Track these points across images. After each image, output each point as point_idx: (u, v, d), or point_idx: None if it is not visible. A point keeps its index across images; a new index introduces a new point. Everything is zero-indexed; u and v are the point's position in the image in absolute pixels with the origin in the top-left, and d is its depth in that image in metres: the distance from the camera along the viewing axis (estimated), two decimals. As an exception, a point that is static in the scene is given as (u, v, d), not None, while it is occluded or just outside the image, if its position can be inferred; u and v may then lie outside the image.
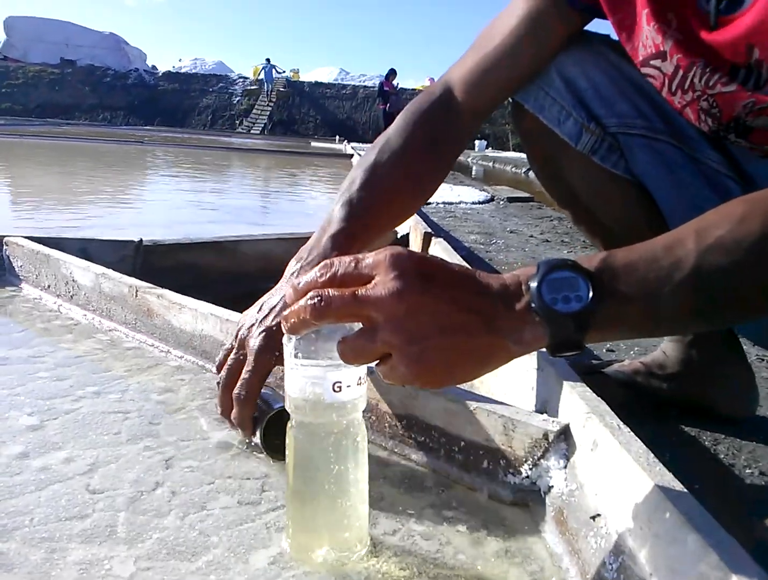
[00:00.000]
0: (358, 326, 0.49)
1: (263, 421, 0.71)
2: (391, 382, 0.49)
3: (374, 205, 0.82)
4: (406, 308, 0.46)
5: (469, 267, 0.51)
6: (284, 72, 30.11)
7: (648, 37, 0.74)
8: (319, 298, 0.47)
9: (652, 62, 0.75)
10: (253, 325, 0.74)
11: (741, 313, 0.52)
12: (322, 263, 0.49)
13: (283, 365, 0.65)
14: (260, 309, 0.76)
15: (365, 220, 0.81)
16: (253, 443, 0.74)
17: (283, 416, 0.66)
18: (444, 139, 0.87)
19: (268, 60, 28.55)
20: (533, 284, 0.48)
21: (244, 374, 0.70)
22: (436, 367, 0.47)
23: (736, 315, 0.53)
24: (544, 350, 0.49)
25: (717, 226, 0.49)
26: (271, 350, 0.71)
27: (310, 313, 0.47)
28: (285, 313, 0.49)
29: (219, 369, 0.75)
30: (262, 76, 28.77)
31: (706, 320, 0.51)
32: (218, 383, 0.74)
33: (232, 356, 0.74)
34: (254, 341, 0.71)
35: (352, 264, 0.48)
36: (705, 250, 0.48)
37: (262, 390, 0.72)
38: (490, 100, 0.87)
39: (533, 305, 0.47)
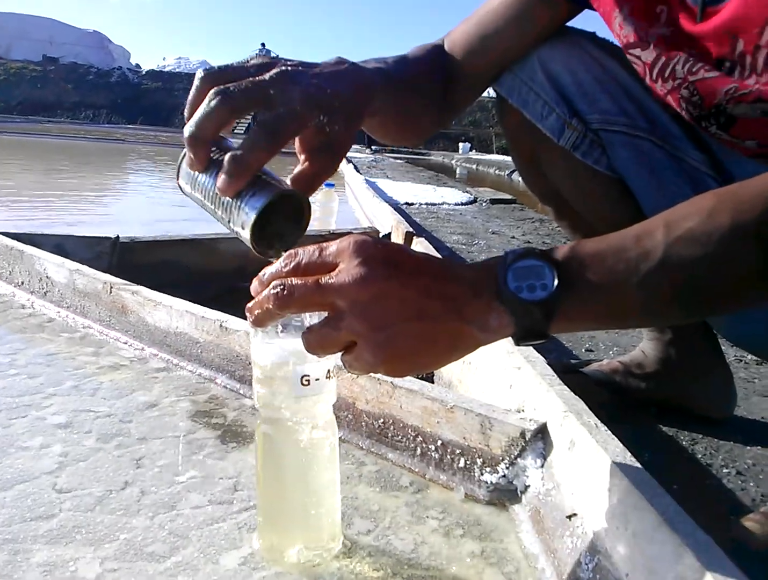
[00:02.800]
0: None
1: (271, 193, 0.50)
2: (357, 371, 0.48)
3: (406, 76, 0.71)
4: (370, 294, 0.45)
5: (437, 255, 0.50)
6: (277, 57, 30.57)
7: (623, 26, 0.74)
8: (282, 287, 0.46)
9: (631, 51, 0.75)
10: (287, 67, 0.53)
11: (710, 306, 0.52)
12: (286, 254, 0.48)
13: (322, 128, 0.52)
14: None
15: (400, 77, 0.69)
16: (230, 218, 0.52)
17: (283, 205, 0.51)
18: (444, 92, 0.83)
19: (263, 44, 28.77)
20: (500, 272, 0.47)
21: (279, 113, 0.50)
22: (402, 353, 0.46)
23: (707, 308, 0.53)
24: (527, 347, 0.49)
25: (687, 218, 0.48)
26: (317, 103, 0.52)
27: (273, 302, 0.46)
28: (249, 305, 0.48)
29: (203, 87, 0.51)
30: None
31: (675, 312, 0.51)
32: (215, 94, 0.49)
33: (252, 79, 0.51)
34: (305, 86, 0.52)
35: (316, 253, 0.47)
36: (673, 242, 0.47)
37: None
38: (485, 69, 0.85)
39: (498, 292, 0.47)
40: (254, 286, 0.49)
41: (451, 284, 0.47)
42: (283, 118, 0.50)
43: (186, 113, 0.51)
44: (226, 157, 0.49)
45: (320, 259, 0.47)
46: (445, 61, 0.83)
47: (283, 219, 0.53)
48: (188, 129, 0.50)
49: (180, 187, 0.57)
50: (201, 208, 0.57)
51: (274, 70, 0.52)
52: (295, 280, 0.46)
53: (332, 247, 0.47)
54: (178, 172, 0.56)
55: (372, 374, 0.75)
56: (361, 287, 0.45)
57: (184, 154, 0.53)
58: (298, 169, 0.54)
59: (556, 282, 0.46)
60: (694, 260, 0.47)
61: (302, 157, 0.55)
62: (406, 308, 0.45)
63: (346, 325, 0.45)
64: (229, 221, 0.52)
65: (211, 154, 0.52)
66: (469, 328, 0.47)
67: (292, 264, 0.47)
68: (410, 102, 0.73)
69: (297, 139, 0.54)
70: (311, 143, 0.54)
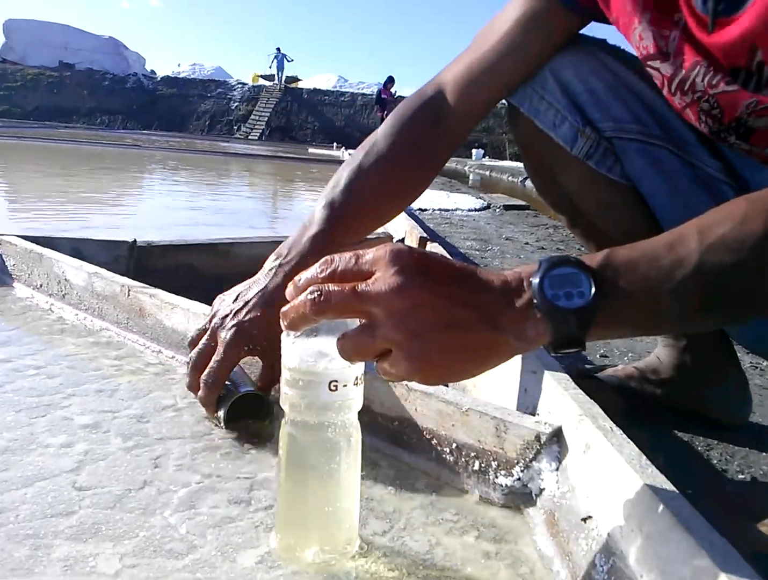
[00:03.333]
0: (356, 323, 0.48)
1: (228, 403, 0.76)
2: (391, 379, 0.48)
3: (356, 208, 0.83)
4: (406, 303, 0.45)
5: (470, 264, 0.50)
6: (293, 60, 30.94)
7: (642, 37, 0.74)
8: (318, 293, 0.46)
9: (650, 63, 0.75)
10: (227, 315, 0.77)
11: (743, 312, 0.52)
12: (322, 259, 0.49)
13: (250, 356, 0.78)
14: (236, 299, 0.79)
15: (346, 223, 0.82)
16: (215, 419, 0.79)
17: (247, 398, 0.77)
18: (432, 143, 0.86)
19: (278, 49, 29.05)
20: (535, 280, 0.47)
21: (212, 363, 0.75)
22: (438, 363, 0.47)
23: (737, 314, 0.53)
24: (541, 351, 0.49)
25: (719, 225, 0.49)
26: (239, 346, 0.75)
27: (309, 308, 0.46)
28: (284, 309, 0.49)
29: (191, 347, 0.80)
30: (274, 64, 29.50)
31: (708, 319, 0.51)
32: (188, 362, 0.79)
33: (204, 340, 0.78)
34: (225, 334, 0.76)
35: (353, 260, 0.48)
36: (707, 249, 0.48)
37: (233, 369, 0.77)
38: (482, 102, 0.87)
39: (535, 301, 0.47)
40: (289, 290, 0.49)
41: (486, 293, 0.47)
42: (214, 366, 0.75)
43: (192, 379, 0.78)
44: (198, 397, 0.78)
45: (356, 266, 0.47)
46: (436, 107, 0.86)
47: (250, 405, 0.78)
48: (204, 400, 0.78)
49: None
50: None
51: (208, 332, 0.78)
52: (332, 287, 0.46)
53: (368, 255, 0.48)
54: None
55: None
56: (397, 296, 0.45)
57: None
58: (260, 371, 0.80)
59: (593, 290, 0.46)
60: (726, 267, 0.47)
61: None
62: (441, 317, 0.46)
63: (382, 333, 0.46)
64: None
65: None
66: (504, 337, 0.47)
67: (329, 270, 0.48)
68: (377, 208, 0.87)
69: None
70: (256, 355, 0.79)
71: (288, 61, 29.92)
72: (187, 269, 1.50)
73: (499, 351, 0.48)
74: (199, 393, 0.76)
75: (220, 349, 0.75)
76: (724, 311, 0.50)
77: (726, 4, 0.65)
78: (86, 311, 1.17)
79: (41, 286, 1.27)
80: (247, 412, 0.79)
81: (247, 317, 0.76)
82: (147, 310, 1.06)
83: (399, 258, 0.47)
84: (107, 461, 0.69)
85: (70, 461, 0.69)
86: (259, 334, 0.76)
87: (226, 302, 0.80)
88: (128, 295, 1.09)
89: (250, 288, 0.79)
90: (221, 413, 0.77)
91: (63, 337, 1.07)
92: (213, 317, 0.79)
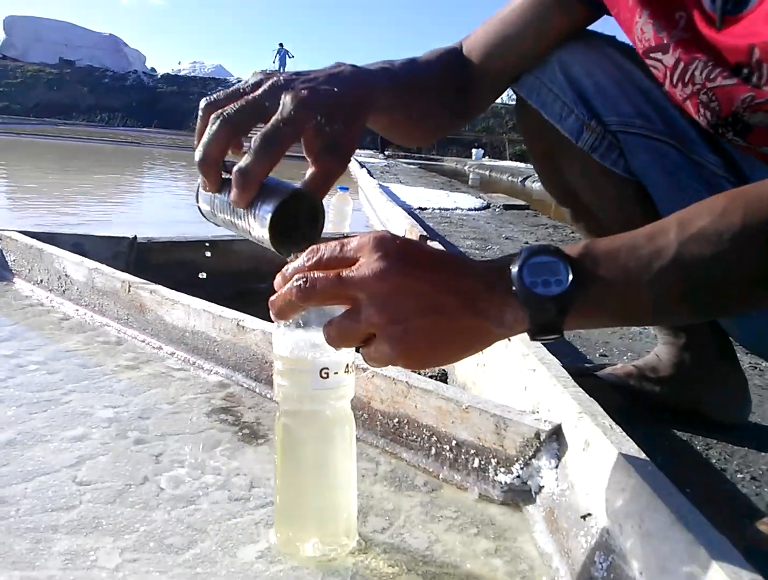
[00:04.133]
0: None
1: (281, 195, 0.53)
2: (375, 364, 0.49)
3: (413, 78, 0.73)
4: (389, 287, 0.46)
5: (453, 252, 0.51)
6: (293, 57, 31.39)
7: (644, 30, 0.75)
8: (304, 280, 0.47)
9: (652, 54, 0.76)
10: (292, 79, 0.57)
11: (721, 304, 0.52)
12: (309, 249, 0.50)
13: (318, 134, 0.54)
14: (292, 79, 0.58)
15: (403, 83, 0.70)
16: (244, 227, 0.56)
17: (296, 203, 0.54)
18: (467, 83, 0.83)
19: (281, 45, 29.23)
20: (514, 268, 0.48)
21: (273, 121, 0.53)
22: (420, 347, 0.47)
23: (718, 306, 0.53)
24: (539, 346, 0.49)
25: (699, 217, 0.49)
26: (314, 109, 0.55)
27: (295, 295, 0.47)
28: (272, 298, 0.50)
29: (213, 107, 0.56)
30: (277, 60, 29.74)
31: (686, 310, 0.52)
32: (215, 119, 0.54)
33: (255, 93, 0.55)
34: (293, 94, 0.54)
35: (338, 247, 0.49)
36: (686, 240, 0.48)
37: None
38: (505, 70, 0.86)
39: (514, 288, 0.47)
40: (277, 280, 0.50)
41: (467, 279, 0.48)
42: (278, 126, 0.53)
43: (195, 142, 0.56)
44: (233, 171, 0.53)
45: (341, 253, 0.48)
46: (461, 63, 0.84)
47: (300, 220, 0.55)
48: (197, 155, 0.55)
49: (201, 212, 0.61)
50: (224, 227, 0.60)
51: (267, 83, 0.56)
52: (317, 274, 0.47)
53: (353, 242, 0.48)
54: (197, 197, 0.60)
55: (387, 374, 0.76)
56: (380, 281, 0.46)
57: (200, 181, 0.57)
58: (308, 171, 0.56)
59: (570, 277, 0.47)
60: (705, 259, 0.48)
61: (310, 160, 0.57)
62: (423, 303, 0.47)
63: (366, 317, 0.46)
64: (250, 232, 0.55)
65: (223, 176, 0.55)
66: (485, 323, 0.48)
67: (314, 259, 0.49)
68: (419, 102, 0.75)
69: (302, 143, 0.56)
70: (315, 145, 0.56)
71: (289, 57, 30.20)
72: (187, 266, 1.50)
73: (480, 337, 0.49)
74: (245, 161, 0.52)
75: (289, 105, 0.53)
76: (701, 302, 0.50)
77: (734, 2, 0.65)
78: (87, 307, 1.17)
79: (42, 281, 1.27)
80: (293, 225, 0.55)
81: (323, 87, 0.57)
82: (147, 306, 1.06)
83: (382, 244, 0.47)
84: (108, 456, 0.69)
85: (71, 456, 0.69)
86: (338, 109, 0.57)
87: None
88: (129, 291, 1.09)
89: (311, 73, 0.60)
90: (269, 212, 0.52)
91: (63, 332, 1.07)
92: (260, 83, 0.57)
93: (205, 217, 0.61)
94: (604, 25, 0.90)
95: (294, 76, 0.57)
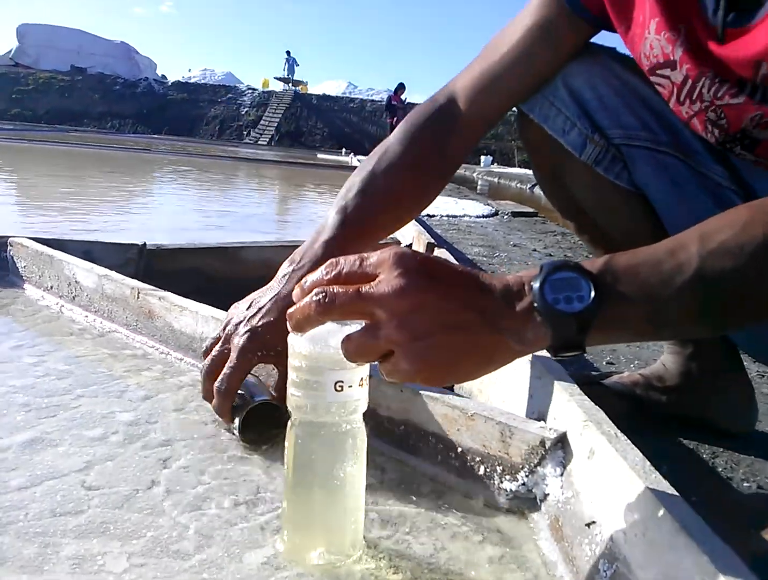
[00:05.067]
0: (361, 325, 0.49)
1: (243, 412, 0.75)
2: (393, 380, 0.49)
3: (369, 214, 0.83)
4: (409, 305, 0.46)
5: (472, 268, 0.51)
6: (299, 65, 32.61)
7: (653, 46, 0.75)
8: (323, 294, 0.47)
9: (659, 71, 0.76)
10: (240, 322, 0.77)
11: (744, 318, 0.52)
12: (328, 262, 0.50)
13: (264, 362, 0.76)
14: (249, 306, 0.78)
15: (359, 229, 0.82)
16: (231, 429, 0.78)
17: (262, 408, 0.76)
18: (443, 150, 0.87)
19: (288, 52, 29.85)
20: (536, 284, 0.48)
21: (225, 369, 0.74)
22: (439, 364, 0.47)
23: (738, 320, 0.53)
24: (545, 355, 0.50)
25: (720, 231, 0.49)
26: (253, 351, 0.75)
27: (314, 309, 0.47)
28: (290, 310, 0.50)
29: (205, 356, 0.79)
30: (286, 67, 30.95)
31: (708, 325, 0.51)
32: (201, 370, 0.78)
33: (217, 347, 0.77)
34: (239, 340, 0.75)
35: (357, 262, 0.49)
36: (708, 255, 0.48)
37: (247, 378, 0.76)
38: (493, 109, 0.87)
39: (535, 304, 0.47)
40: (296, 292, 0.50)
41: (487, 296, 0.48)
42: (227, 373, 0.74)
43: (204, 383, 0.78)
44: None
45: (361, 269, 0.48)
46: (447, 115, 0.87)
47: (263, 418, 0.76)
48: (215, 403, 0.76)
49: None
50: None
51: (223, 337, 0.78)
52: (336, 289, 0.47)
53: (373, 257, 0.48)
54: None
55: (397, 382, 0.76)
56: (399, 298, 0.46)
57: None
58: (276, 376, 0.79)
59: (592, 294, 0.47)
60: (728, 273, 0.48)
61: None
62: (443, 320, 0.47)
63: (385, 334, 0.46)
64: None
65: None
66: (505, 340, 0.48)
67: (333, 272, 0.49)
68: (388, 213, 0.86)
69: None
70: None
71: (296, 65, 30.74)
72: (196, 273, 1.51)
73: (500, 354, 0.49)
74: (213, 402, 0.76)
75: (233, 355, 0.75)
76: (723, 317, 0.50)
77: (736, 15, 0.65)
78: (96, 313, 1.18)
79: (52, 288, 1.28)
80: (263, 421, 0.77)
81: (260, 323, 0.76)
82: (156, 312, 1.07)
83: (402, 261, 0.47)
84: (116, 461, 0.70)
85: (79, 460, 0.69)
86: (273, 339, 0.75)
87: (240, 308, 0.80)
88: (138, 297, 1.10)
89: (264, 295, 0.79)
90: (236, 423, 0.75)
91: (73, 338, 1.08)
92: (227, 324, 0.79)
93: None
94: (606, 39, 0.90)
95: (242, 318, 0.77)
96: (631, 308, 0.48)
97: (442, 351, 0.47)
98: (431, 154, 0.86)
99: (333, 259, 0.50)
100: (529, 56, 0.84)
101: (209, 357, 0.78)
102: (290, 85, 30.78)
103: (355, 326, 0.49)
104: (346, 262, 0.49)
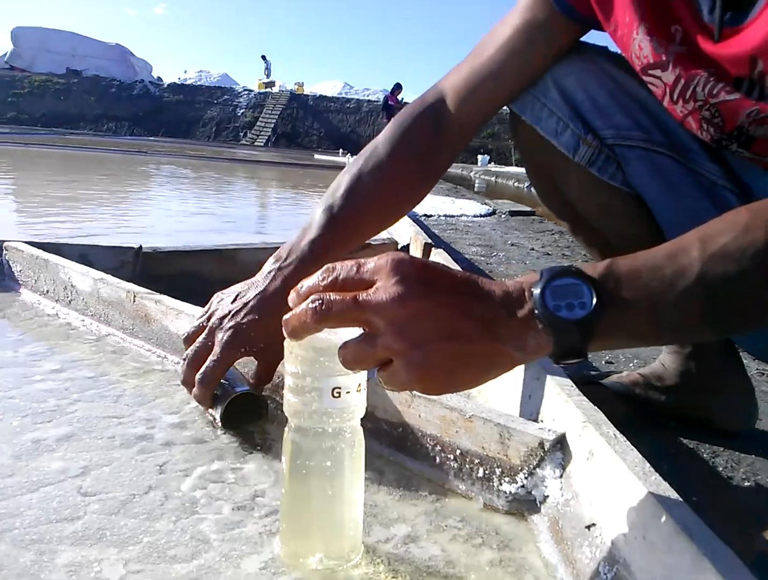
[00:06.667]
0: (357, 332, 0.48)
1: (224, 402, 0.77)
2: (392, 388, 0.48)
3: (355, 214, 0.84)
4: (407, 313, 0.45)
5: (471, 274, 0.50)
6: (271, 63, 34.70)
7: (642, 47, 0.74)
8: (320, 301, 0.46)
9: (651, 71, 0.75)
10: (225, 316, 0.78)
11: (746, 321, 0.52)
12: (324, 267, 0.49)
13: (247, 356, 0.78)
14: (235, 300, 0.80)
15: (344, 228, 0.83)
16: (211, 415, 0.80)
17: (243, 398, 0.79)
18: (432, 149, 0.87)
19: (264, 57, 33.79)
20: (536, 291, 0.47)
21: (208, 362, 0.76)
22: (438, 373, 0.47)
23: (740, 324, 0.53)
24: (545, 359, 0.49)
25: (721, 235, 0.49)
26: (236, 347, 0.76)
27: (311, 316, 0.46)
28: (286, 317, 0.49)
29: (187, 343, 0.81)
30: (265, 71, 33.31)
31: (712, 329, 0.51)
32: (184, 358, 0.79)
33: (201, 338, 0.79)
34: (223, 335, 0.77)
35: (354, 268, 0.48)
36: (709, 259, 0.47)
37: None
38: (482, 108, 0.87)
39: (536, 311, 0.46)
40: (291, 297, 0.49)
41: (487, 303, 0.47)
42: (210, 365, 0.76)
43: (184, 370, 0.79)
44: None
45: (358, 275, 0.47)
46: (436, 114, 0.87)
47: (245, 408, 0.80)
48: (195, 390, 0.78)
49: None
50: None
51: (207, 328, 0.79)
52: (333, 296, 0.46)
53: (370, 264, 0.48)
54: None
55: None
56: (397, 306, 0.45)
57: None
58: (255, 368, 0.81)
59: (594, 301, 0.46)
60: (730, 276, 0.47)
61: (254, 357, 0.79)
62: (442, 328, 0.46)
63: (382, 342, 0.46)
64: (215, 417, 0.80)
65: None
66: (505, 348, 0.47)
67: (330, 279, 0.48)
68: (374, 214, 0.87)
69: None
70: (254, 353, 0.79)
71: (271, 67, 33.56)
72: (192, 275, 1.50)
73: (500, 362, 0.48)
74: (194, 390, 0.77)
75: (216, 349, 0.76)
76: (726, 321, 0.50)
77: (732, 14, 0.65)
78: (92, 317, 1.17)
79: (48, 292, 1.28)
80: (243, 411, 0.79)
81: (245, 320, 0.77)
82: (152, 316, 1.06)
83: (400, 267, 0.47)
84: (112, 466, 0.70)
85: (76, 466, 0.69)
86: (256, 336, 0.77)
87: (224, 301, 0.81)
88: (134, 301, 1.09)
89: (249, 290, 0.80)
90: (218, 413, 0.78)
91: (69, 342, 1.08)
92: (210, 315, 0.80)
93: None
94: (597, 38, 0.92)
95: (226, 312, 0.78)
96: (634, 314, 0.47)
97: (441, 360, 0.46)
98: (420, 154, 0.86)
99: (329, 265, 0.49)
100: (518, 56, 0.84)
101: (192, 347, 0.79)
102: (279, 87, 31.80)
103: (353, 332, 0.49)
104: (343, 268, 0.48)
